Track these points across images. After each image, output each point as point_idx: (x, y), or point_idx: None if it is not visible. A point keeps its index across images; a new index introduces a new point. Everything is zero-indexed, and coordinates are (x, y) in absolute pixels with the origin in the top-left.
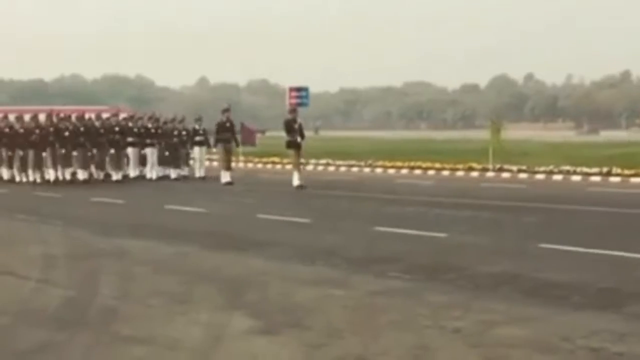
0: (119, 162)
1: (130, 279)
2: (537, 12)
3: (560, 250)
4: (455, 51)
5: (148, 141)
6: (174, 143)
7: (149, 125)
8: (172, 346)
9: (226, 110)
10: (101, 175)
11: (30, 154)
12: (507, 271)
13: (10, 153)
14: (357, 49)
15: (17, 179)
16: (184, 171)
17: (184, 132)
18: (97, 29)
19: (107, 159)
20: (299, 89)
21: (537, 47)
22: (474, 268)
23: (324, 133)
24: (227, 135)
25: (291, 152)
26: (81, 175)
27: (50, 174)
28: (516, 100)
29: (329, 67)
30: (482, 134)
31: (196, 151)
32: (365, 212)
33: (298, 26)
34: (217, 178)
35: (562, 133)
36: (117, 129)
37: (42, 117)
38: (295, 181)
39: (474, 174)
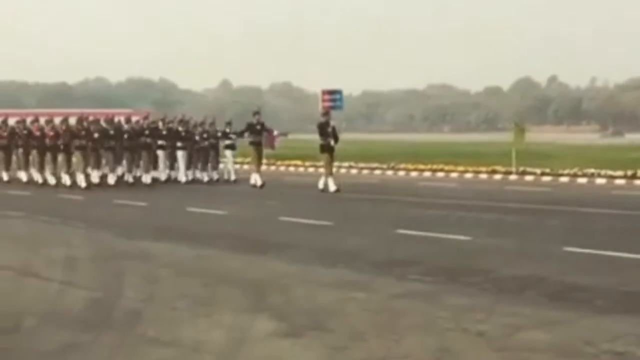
0: (149, 165)
1: (154, 281)
2: (561, 14)
3: (584, 253)
4: (478, 54)
5: (179, 144)
6: (204, 146)
7: (179, 128)
8: (197, 348)
9: (257, 113)
10: (131, 178)
11: (60, 157)
12: (531, 274)
13: (38, 155)
14: (379, 52)
15: (51, 182)
16: (215, 174)
17: (213, 135)
18: (123, 32)
19: (137, 162)
20: (332, 92)
21: (561, 49)
22: (497, 271)
23: (348, 136)
24: (258, 137)
25: (324, 155)
26: (111, 179)
27: (80, 178)
28: (540, 103)
29: (351, 70)
30: (506, 137)
31: (227, 154)
32: (387, 215)
33: (320, 29)
34: (248, 181)
35: (586, 136)
36: (147, 131)
37: (72, 121)
38: (329, 185)
39: (497, 176)
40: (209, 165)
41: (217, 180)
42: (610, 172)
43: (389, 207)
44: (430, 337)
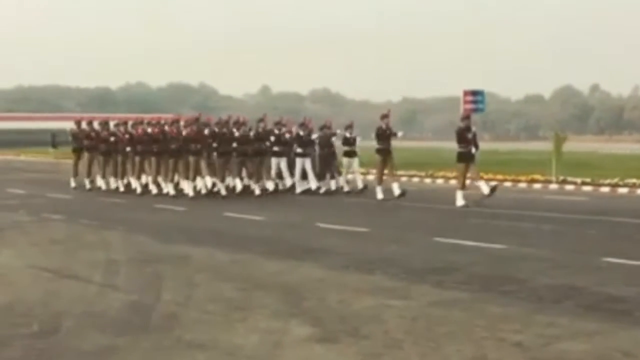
0: (265, 173)
1: (190, 285)
2: (603, 21)
3: (624, 264)
4: (519, 61)
5: (300, 150)
6: (327, 153)
7: (300, 133)
8: (232, 352)
9: (385, 116)
10: (240, 186)
11: (171, 161)
12: (568, 284)
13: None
14: (418, 59)
15: (154, 190)
16: (336, 183)
17: (333, 140)
18: (161, 38)
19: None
20: (474, 93)
21: (603, 57)
22: (534, 280)
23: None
24: (387, 144)
25: (461, 165)
26: (223, 189)
27: (188, 186)
28: (581, 112)
29: (390, 76)
30: (546, 146)
31: (345, 162)
32: (424, 223)
33: (359, 36)
34: (366, 192)
35: (628, 145)
36: (272, 137)
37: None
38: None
39: (537, 185)
40: (333, 173)
41: (333, 190)
42: None
43: (427, 214)
44: (466, 345)
